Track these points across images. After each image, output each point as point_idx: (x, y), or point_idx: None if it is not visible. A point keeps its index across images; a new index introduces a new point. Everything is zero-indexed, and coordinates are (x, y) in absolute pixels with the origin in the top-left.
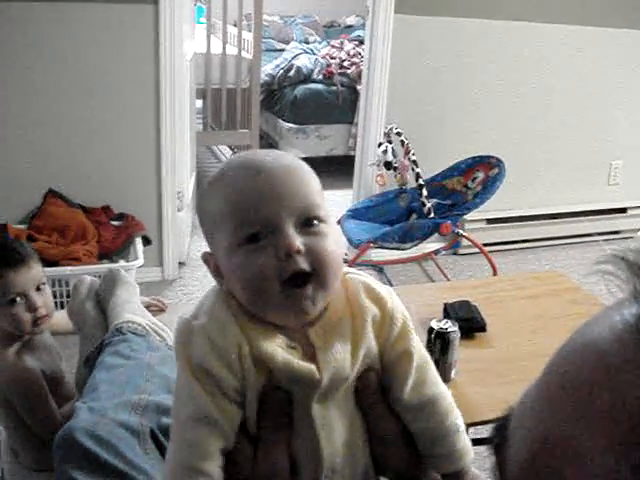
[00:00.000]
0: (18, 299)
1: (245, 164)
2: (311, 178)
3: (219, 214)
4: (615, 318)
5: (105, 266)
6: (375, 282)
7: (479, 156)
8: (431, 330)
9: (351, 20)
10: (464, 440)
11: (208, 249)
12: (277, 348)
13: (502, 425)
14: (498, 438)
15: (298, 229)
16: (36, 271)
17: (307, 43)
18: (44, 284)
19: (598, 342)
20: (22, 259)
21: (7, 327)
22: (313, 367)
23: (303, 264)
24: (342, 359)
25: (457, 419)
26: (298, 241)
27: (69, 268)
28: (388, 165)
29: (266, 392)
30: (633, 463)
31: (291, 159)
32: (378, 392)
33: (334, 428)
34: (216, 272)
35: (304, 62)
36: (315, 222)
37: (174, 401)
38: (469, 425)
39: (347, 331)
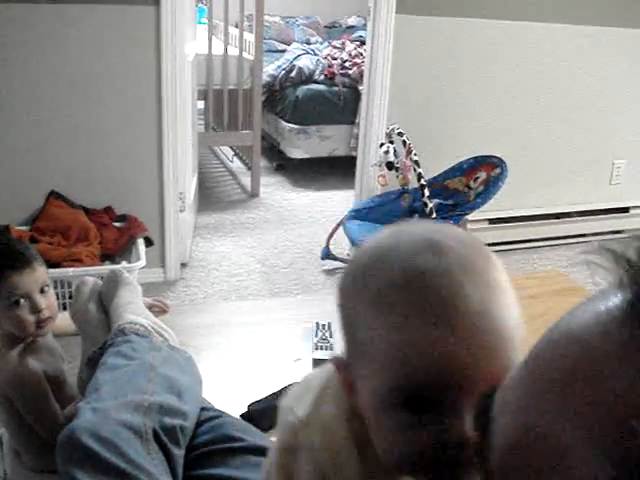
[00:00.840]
0: (22, 301)
1: (433, 283)
2: (511, 306)
3: (378, 345)
4: (600, 309)
5: (107, 267)
6: None
7: (481, 156)
8: None
9: (352, 20)
10: None
11: (341, 353)
12: None
13: (486, 408)
14: (482, 419)
15: (475, 410)
16: (40, 273)
17: (308, 44)
18: (48, 286)
19: (583, 333)
20: (26, 261)
21: (11, 329)
22: None
23: (469, 453)
24: None
25: None
26: (472, 431)
27: (71, 269)
28: (390, 165)
29: None
30: (613, 456)
31: (487, 259)
32: None
33: None
34: (347, 384)
35: (306, 63)
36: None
37: None
38: None
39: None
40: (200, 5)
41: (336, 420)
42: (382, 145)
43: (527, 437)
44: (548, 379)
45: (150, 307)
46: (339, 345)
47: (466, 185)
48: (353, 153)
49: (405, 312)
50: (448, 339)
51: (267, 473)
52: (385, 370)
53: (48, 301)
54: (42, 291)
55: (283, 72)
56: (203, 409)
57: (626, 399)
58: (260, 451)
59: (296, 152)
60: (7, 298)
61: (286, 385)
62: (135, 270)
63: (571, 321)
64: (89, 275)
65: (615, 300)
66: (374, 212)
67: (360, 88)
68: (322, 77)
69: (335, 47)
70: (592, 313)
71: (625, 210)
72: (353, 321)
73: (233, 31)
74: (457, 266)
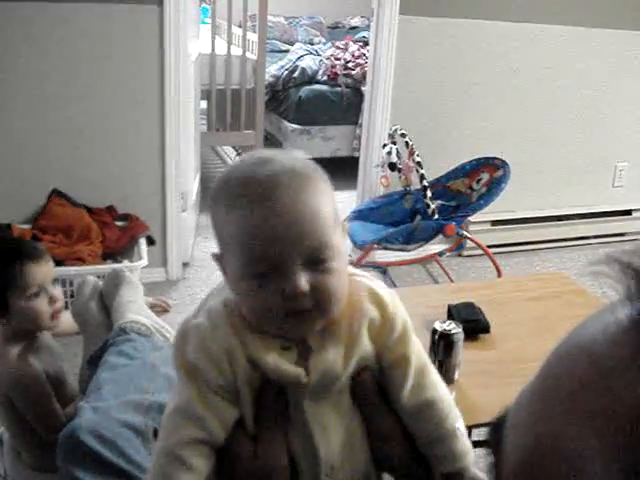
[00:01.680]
0: (40, 292)
1: (259, 181)
2: (322, 207)
3: (230, 238)
4: (609, 320)
5: (109, 266)
6: (379, 286)
7: (484, 158)
8: (435, 331)
9: (356, 21)
10: (463, 442)
11: (217, 250)
12: (269, 352)
13: (498, 424)
14: (494, 437)
15: (306, 267)
16: (51, 266)
17: (312, 44)
18: (56, 280)
19: (591, 344)
20: (40, 253)
21: (25, 323)
22: (299, 370)
23: (307, 304)
24: (333, 360)
25: (456, 422)
26: (303, 283)
27: (73, 268)
28: (392, 166)
29: (261, 387)
30: (624, 466)
31: (304, 175)
32: (373, 390)
33: (329, 426)
34: (226, 272)
35: (309, 63)
36: (323, 261)
37: (170, 394)
38: (472, 427)
39: (343, 333)
40: (203, 5)
41: (217, 305)
42: (385, 146)
43: (538, 450)
44: (557, 392)
45: (152, 306)
46: None
47: (469, 186)
48: (356, 154)
49: (242, 208)
50: (270, 222)
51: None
52: (237, 252)
53: (58, 294)
54: (52, 284)
55: (286, 72)
56: None
57: (635, 407)
58: None
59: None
60: (26, 289)
61: None
62: (137, 269)
63: (580, 334)
64: (91, 274)
65: (623, 310)
66: (376, 213)
67: (363, 89)
68: (325, 77)
69: (338, 48)
70: (600, 324)
71: (628, 213)
72: (216, 222)
73: (236, 31)
74: (281, 170)
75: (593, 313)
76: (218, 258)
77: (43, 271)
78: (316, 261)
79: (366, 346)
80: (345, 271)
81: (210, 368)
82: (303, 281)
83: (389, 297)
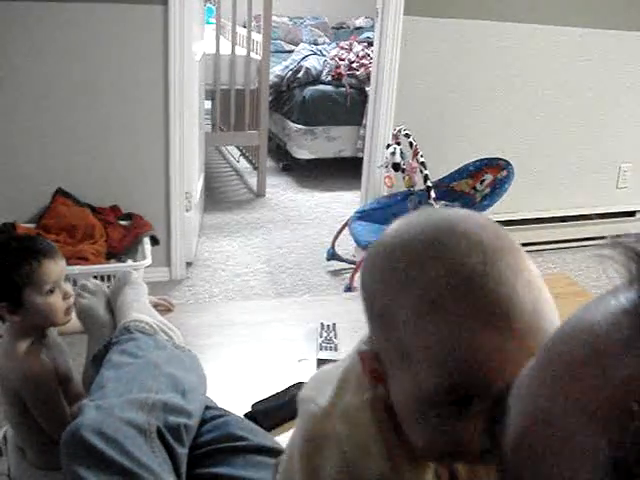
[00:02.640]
0: (55, 288)
1: (480, 274)
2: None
3: (423, 345)
4: (611, 302)
5: (113, 265)
6: None
7: (487, 158)
8: None
9: (360, 22)
10: None
11: (364, 344)
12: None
13: (503, 398)
14: (499, 410)
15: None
16: (64, 263)
17: (316, 44)
18: (66, 277)
19: (592, 325)
20: (55, 251)
21: (39, 319)
22: None
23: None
24: None
25: None
26: None
27: (77, 267)
28: (396, 167)
29: None
30: (611, 438)
31: (527, 265)
32: None
33: None
34: (373, 376)
35: (313, 63)
36: None
37: None
38: None
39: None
40: (208, 5)
41: (360, 410)
42: (389, 146)
43: (535, 422)
44: (557, 367)
45: (155, 306)
46: (345, 346)
47: (472, 187)
48: (360, 154)
49: (461, 314)
50: (505, 341)
51: (287, 464)
52: (436, 371)
53: (71, 290)
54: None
55: (290, 72)
56: (207, 408)
57: (629, 384)
58: (263, 450)
59: (302, 153)
60: (42, 286)
61: (290, 385)
62: (140, 269)
63: (582, 314)
64: (95, 273)
65: (625, 293)
66: (380, 213)
67: (367, 89)
68: (329, 78)
69: (343, 48)
70: (602, 307)
71: (631, 214)
72: (393, 316)
73: (241, 31)
74: (503, 264)
75: (597, 297)
76: (365, 356)
77: (58, 268)
78: None
79: None
80: None
81: None
82: None
83: None
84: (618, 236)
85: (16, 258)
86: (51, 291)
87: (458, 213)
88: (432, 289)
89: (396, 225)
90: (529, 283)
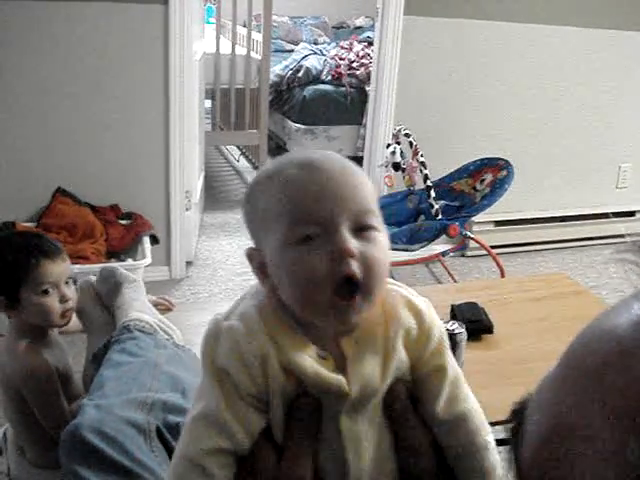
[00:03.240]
0: (51, 290)
1: (303, 162)
2: (368, 183)
3: (272, 211)
4: (633, 306)
5: (113, 265)
6: (415, 295)
7: (487, 158)
8: None
9: (360, 21)
10: (493, 456)
11: (252, 244)
12: (307, 358)
13: (520, 409)
14: (515, 421)
15: (353, 234)
16: (67, 265)
17: (316, 44)
18: (71, 279)
19: (615, 329)
20: (58, 251)
21: (35, 318)
22: (342, 379)
23: (356, 268)
24: (372, 371)
25: (487, 435)
26: (353, 244)
27: (77, 266)
28: (396, 166)
29: (296, 398)
30: (637, 445)
31: (349, 162)
32: (408, 404)
33: (362, 442)
34: (260, 270)
35: (313, 63)
36: (370, 229)
37: (194, 396)
38: None
39: (379, 343)
40: (208, 4)
41: (252, 308)
42: (389, 146)
43: (558, 429)
44: (579, 373)
45: (155, 305)
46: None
47: (472, 187)
48: (360, 153)
49: (288, 174)
50: (318, 184)
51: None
52: (280, 220)
53: (72, 293)
54: (66, 283)
55: (290, 72)
56: None
57: None
58: None
59: None
60: (38, 285)
61: None
62: (140, 268)
63: (603, 319)
64: (95, 272)
65: None
66: (380, 213)
67: (367, 89)
68: (329, 77)
69: (343, 48)
70: (624, 311)
71: (631, 214)
72: (252, 211)
73: (241, 31)
74: (329, 162)
75: (618, 302)
76: (251, 254)
77: (58, 269)
78: (364, 227)
79: (402, 357)
80: (388, 252)
81: (242, 374)
82: (352, 242)
83: (426, 306)
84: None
85: (15, 254)
86: (46, 292)
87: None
88: (280, 178)
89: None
90: (338, 158)
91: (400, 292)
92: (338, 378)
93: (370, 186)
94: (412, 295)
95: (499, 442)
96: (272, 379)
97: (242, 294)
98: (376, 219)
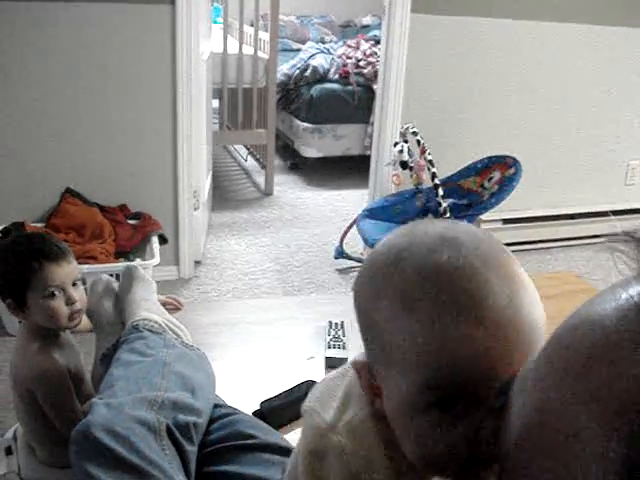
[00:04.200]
0: (57, 293)
1: (456, 273)
2: (537, 299)
3: (402, 347)
4: (621, 296)
5: (122, 264)
6: None
7: (495, 156)
8: None
9: (367, 20)
10: None
11: (361, 355)
12: None
13: (505, 388)
14: (500, 401)
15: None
16: (73, 267)
17: (323, 43)
18: (79, 280)
19: (602, 318)
20: (62, 253)
21: (43, 321)
22: None
23: (495, 450)
24: None
25: None
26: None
27: (86, 266)
28: (404, 165)
29: None
30: (623, 436)
31: (505, 252)
32: None
33: None
34: (370, 389)
35: (320, 62)
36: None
37: None
38: None
39: None
40: (215, 4)
41: (363, 423)
42: (396, 144)
43: (543, 416)
44: (566, 361)
45: (164, 304)
46: (353, 344)
47: (480, 185)
48: (367, 152)
49: (432, 309)
50: (479, 335)
51: (290, 473)
52: (415, 370)
53: (80, 295)
54: (74, 285)
55: (298, 71)
56: (216, 406)
57: (636, 381)
58: (272, 448)
59: (310, 151)
60: (42, 289)
61: (298, 383)
62: (149, 268)
63: (591, 307)
64: (103, 272)
65: (636, 287)
66: (388, 211)
67: (374, 87)
68: (337, 76)
69: (350, 46)
70: (612, 299)
71: None
72: (374, 323)
73: (248, 30)
74: (478, 261)
75: (605, 289)
76: (359, 368)
77: (63, 272)
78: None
79: None
80: None
81: None
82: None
83: None
84: (630, 230)
85: (19, 258)
86: (52, 295)
87: (440, 221)
88: (403, 286)
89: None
90: (505, 276)
91: None
92: None
93: (540, 314)
94: None
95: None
96: None
97: (344, 385)
98: None
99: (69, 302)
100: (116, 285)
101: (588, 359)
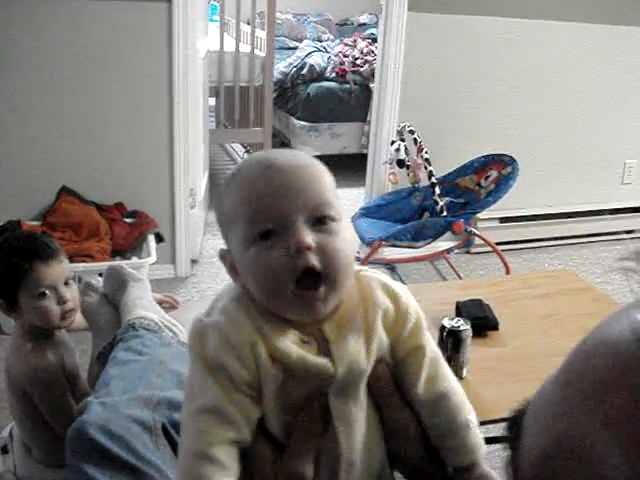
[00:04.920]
0: (47, 292)
1: (259, 161)
2: (325, 175)
3: (234, 211)
4: (636, 318)
5: (118, 263)
6: (390, 279)
7: (492, 155)
8: (443, 328)
9: (364, 18)
10: (475, 435)
11: (225, 246)
12: (291, 344)
13: (517, 418)
14: (513, 431)
15: (310, 226)
16: (65, 266)
17: (320, 41)
18: (71, 279)
19: (617, 342)
20: (53, 253)
21: (35, 320)
22: (327, 361)
23: (314, 260)
24: (356, 353)
25: (469, 414)
26: (309, 237)
27: (82, 265)
28: (401, 163)
29: (305, 401)
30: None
31: (305, 157)
32: (391, 384)
33: (353, 423)
34: (232, 269)
35: (317, 60)
36: (327, 220)
37: (185, 395)
38: (481, 424)
39: (360, 325)
40: (212, 2)
41: (231, 302)
42: (393, 143)
43: (559, 447)
44: (581, 389)
45: (160, 303)
46: None
47: (477, 183)
48: (364, 151)
49: (246, 176)
50: (271, 181)
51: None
52: (240, 219)
53: (72, 293)
54: (66, 284)
55: (294, 69)
56: None
57: None
58: None
59: (307, 149)
60: (33, 289)
61: None
62: (145, 266)
63: (604, 331)
64: (100, 271)
65: None
66: (384, 210)
67: (371, 86)
68: (333, 74)
69: (347, 44)
70: (627, 322)
71: (637, 210)
72: (223, 215)
73: (245, 28)
74: (285, 163)
75: (620, 309)
76: (223, 255)
77: (54, 272)
78: (320, 220)
79: (382, 337)
80: (351, 240)
81: (235, 364)
82: (308, 235)
83: (401, 289)
84: None
85: (9, 259)
86: (43, 295)
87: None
88: (239, 182)
89: None
90: (295, 158)
91: (374, 276)
92: (323, 360)
93: (328, 179)
94: (387, 279)
95: (502, 439)
96: (262, 367)
97: (216, 295)
98: (334, 210)
99: (61, 301)
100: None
101: (605, 386)
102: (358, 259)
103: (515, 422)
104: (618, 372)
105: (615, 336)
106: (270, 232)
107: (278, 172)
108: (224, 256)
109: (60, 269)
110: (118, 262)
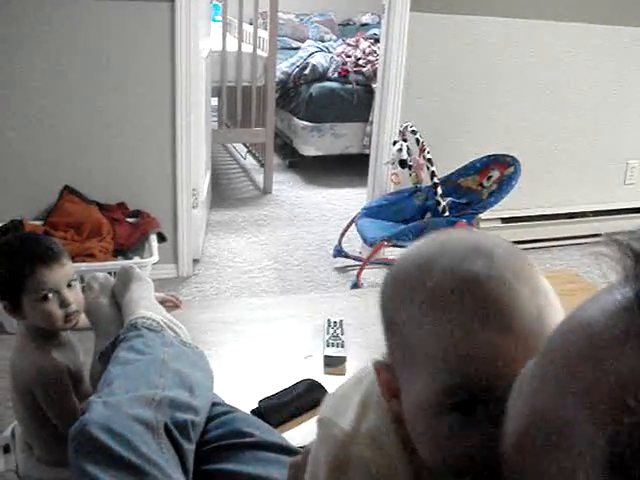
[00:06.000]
0: (50, 295)
1: (481, 279)
2: (556, 304)
3: (426, 348)
4: (607, 299)
5: (120, 263)
6: None
7: (494, 155)
8: None
9: (366, 18)
10: None
11: (381, 355)
12: None
13: (505, 394)
14: (500, 407)
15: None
16: (68, 268)
17: (322, 41)
18: (75, 280)
19: (588, 321)
20: (55, 256)
21: (39, 323)
22: None
23: None
24: None
25: None
26: None
27: (84, 264)
28: (403, 163)
29: None
30: (608, 433)
31: (526, 260)
32: None
33: None
34: (387, 389)
35: (319, 60)
36: None
37: None
38: None
39: None
40: (215, 2)
41: (384, 431)
42: (395, 143)
43: (535, 420)
44: (556, 364)
45: (162, 302)
46: (351, 342)
47: (479, 184)
48: (366, 151)
49: (463, 315)
50: (506, 345)
51: None
52: (439, 373)
53: (75, 295)
54: (69, 285)
55: (297, 69)
56: (214, 404)
57: (625, 380)
58: (270, 447)
59: (309, 149)
60: (36, 292)
61: (297, 381)
62: (148, 266)
63: (579, 312)
64: (102, 270)
65: (621, 290)
66: (387, 210)
67: (374, 86)
68: (336, 75)
69: (349, 45)
70: (599, 303)
71: (639, 210)
72: (400, 325)
73: (247, 28)
74: (510, 273)
75: (595, 294)
76: (379, 369)
77: (56, 275)
78: None
79: None
80: None
81: None
82: None
83: None
84: (613, 233)
85: (11, 262)
86: (46, 297)
87: (471, 232)
88: (434, 291)
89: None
90: (536, 291)
91: None
92: None
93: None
94: None
95: None
96: None
97: (360, 392)
98: None
99: (64, 304)
100: (113, 281)
101: (578, 361)
102: (360, 259)
103: (504, 398)
104: (588, 348)
105: (587, 317)
106: (470, 404)
107: (505, 315)
108: (380, 370)
109: (63, 272)
110: (129, 262)
